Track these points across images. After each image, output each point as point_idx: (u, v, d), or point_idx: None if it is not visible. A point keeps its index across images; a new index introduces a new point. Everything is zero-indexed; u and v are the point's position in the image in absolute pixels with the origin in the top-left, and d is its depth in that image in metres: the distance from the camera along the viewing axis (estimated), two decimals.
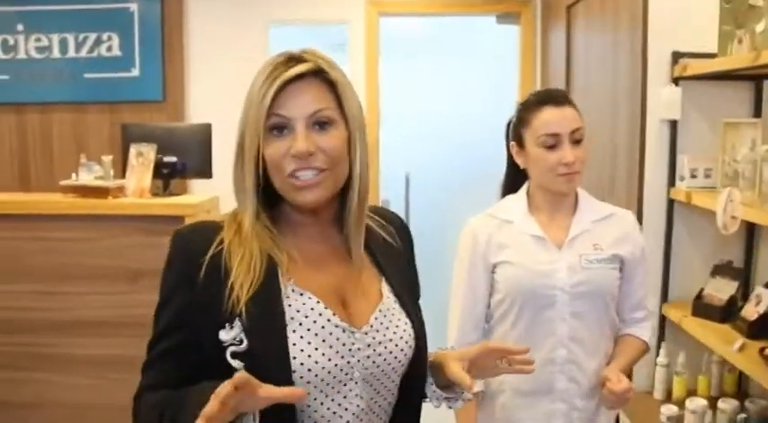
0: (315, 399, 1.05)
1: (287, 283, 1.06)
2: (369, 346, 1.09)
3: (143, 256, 2.80)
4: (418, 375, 1.17)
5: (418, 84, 4.53)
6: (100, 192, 2.87)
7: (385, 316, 1.12)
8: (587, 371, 1.70)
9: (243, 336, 1.01)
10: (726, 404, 2.22)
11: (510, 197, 1.82)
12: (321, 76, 1.07)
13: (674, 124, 2.44)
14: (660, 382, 2.47)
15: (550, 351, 1.68)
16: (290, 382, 1.01)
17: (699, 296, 2.36)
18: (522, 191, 1.79)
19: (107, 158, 2.93)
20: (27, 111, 4.11)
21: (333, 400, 1.07)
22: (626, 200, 2.62)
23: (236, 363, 1.01)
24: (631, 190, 2.56)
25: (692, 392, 2.40)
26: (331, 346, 1.05)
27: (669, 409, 2.31)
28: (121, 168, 3.02)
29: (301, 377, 1.02)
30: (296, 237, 1.12)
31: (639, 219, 2.51)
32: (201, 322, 1.03)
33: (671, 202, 2.48)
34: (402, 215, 1.35)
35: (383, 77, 4.07)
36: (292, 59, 1.07)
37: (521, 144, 1.73)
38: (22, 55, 4.06)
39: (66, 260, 2.86)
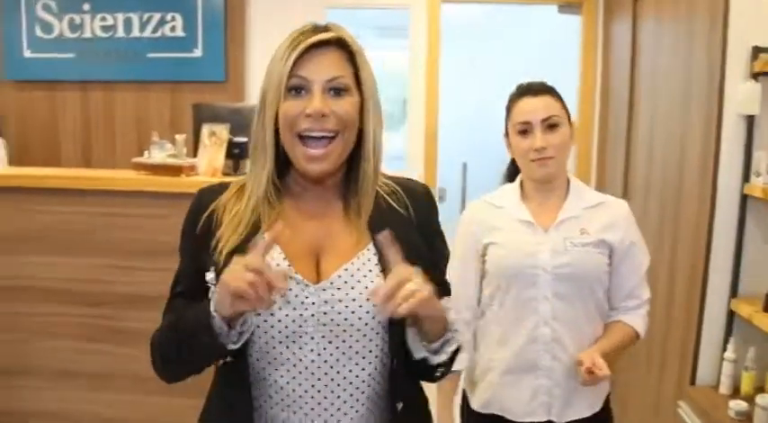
0: (273, 347, 1.13)
1: (261, 236, 1.13)
2: (326, 302, 1.13)
3: None
4: (401, 339, 1.16)
5: (477, 72, 4.53)
6: (173, 170, 2.92)
7: (352, 275, 1.14)
8: (570, 350, 1.78)
9: (216, 280, 1.11)
10: None
11: (506, 185, 1.94)
12: (342, 45, 1.15)
13: (750, 120, 2.43)
14: (727, 376, 2.48)
15: (534, 329, 1.78)
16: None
17: None
18: (518, 180, 1.91)
19: (180, 137, 2.98)
20: (91, 88, 4.19)
21: (288, 348, 1.13)
22: (698, 194, 2.62)
23: None
24: (704, 185, 2.56)
25: (759, 389, 2.40)
26: (282, 296, 1.11)
27: (738, 405, 2.32)
28: (193, 147, 3.08)
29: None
30: (297, 199, 1.21)
31: (711, 213, 2.51)
32: (198, 267, 1.17)
33: (744, 198, 2.47)
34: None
35: (443, 64, 4.08)
36: (317, 29, 1.15)
37: (507, 134, 1.87)
38: (87, 34, 4.14)
39: (135, 236, 2.91)
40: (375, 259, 1.16)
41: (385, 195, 1.23)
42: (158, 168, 2.97)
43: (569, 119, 1.83)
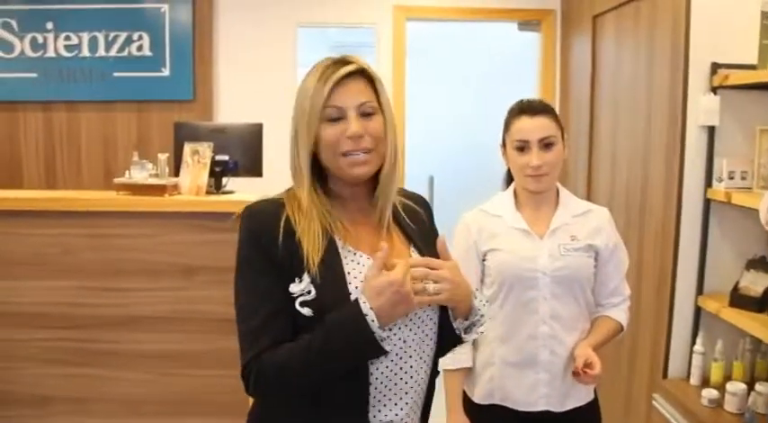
0: None
1: (343, 244, 1.30)
2: None
3: (198, 252, 2.88)
4: (444, 321, 1.39)
5: (442, 87, 4.67)
6: (156, 189, 2.93)
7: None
8: (567, 345, 1.95)
9: (312, 287, 1.24)
10: (763, 387, 2.41)
11: (499, 194, 2.10)
12: (364, 74, 1.32)
13: (711, 130, 2.63)
14: (697, 368, 2.66)
15: (534, 327, 1.94)
16: None
17: (735, 288, 2.56)
18: (510, 189, 2.07)
19: (163, 156, 2.99)
20: (54, 109, 4.15)
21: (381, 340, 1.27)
22: (664, 200, 2.81)
23: (305, 310, 1.25)
24: (669, 191, 2.75)
25: (727, 378, 2.59)
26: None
27: (710, 393, 2.50)
28: (174, 166, 3.10)
29: None
30: (340, 209, 1.35)
31: (678, 217, 2.70)
32: (279, 281, 1.26)
33: (707, 202, 2.66)
34: None
35: (408, 80, 4.20)
36: (340, 62, 1.31)
37: (504, 146, 2.03)
38: (51, 53, 4.10)
39: (120, 256, 2.90)
40: (420, 257, 1.38)
41: (399, 207, 1.42)
42: (141, 188, 2.97)
43: (563, 135, 1.97)
